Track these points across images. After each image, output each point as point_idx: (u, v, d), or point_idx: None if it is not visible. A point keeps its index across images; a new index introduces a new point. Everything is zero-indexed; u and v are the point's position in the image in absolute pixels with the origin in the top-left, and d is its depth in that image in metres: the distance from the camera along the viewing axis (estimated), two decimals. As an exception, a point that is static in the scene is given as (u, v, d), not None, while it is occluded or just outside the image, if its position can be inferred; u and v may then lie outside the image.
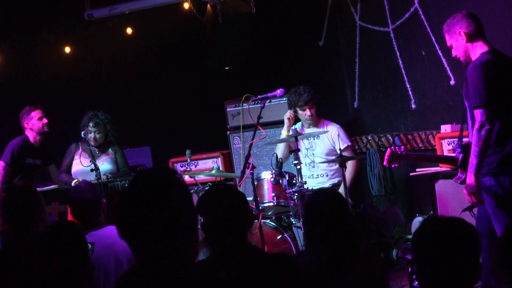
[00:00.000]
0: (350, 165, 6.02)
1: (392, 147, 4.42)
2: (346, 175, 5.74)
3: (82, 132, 6.05)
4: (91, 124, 6.14)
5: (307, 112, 6.10)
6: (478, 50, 4.18)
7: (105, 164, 6.12)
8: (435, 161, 4.77)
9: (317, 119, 6.23)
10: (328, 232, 3.28)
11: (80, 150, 6.19)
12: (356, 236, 3.43)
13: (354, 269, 3.27)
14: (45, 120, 6.28)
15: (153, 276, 2.08)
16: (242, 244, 2.99)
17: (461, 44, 4.23)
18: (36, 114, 6.28)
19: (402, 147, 4.49)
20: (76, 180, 5.99)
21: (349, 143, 6.20)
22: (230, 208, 3.00)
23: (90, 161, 5.86)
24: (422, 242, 2.35)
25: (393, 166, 4.49)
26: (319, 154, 6.16)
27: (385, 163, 4.45)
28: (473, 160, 4.05)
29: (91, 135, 6.12)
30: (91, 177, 5.71)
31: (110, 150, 6.25)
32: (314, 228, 3.36)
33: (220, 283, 2.83)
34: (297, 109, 6.14)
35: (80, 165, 6.08)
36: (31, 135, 6.32)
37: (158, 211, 2.08)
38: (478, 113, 4.03)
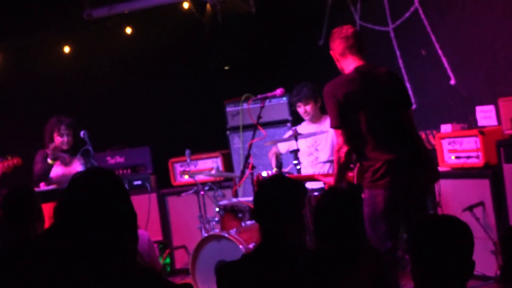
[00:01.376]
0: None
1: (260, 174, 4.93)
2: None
3: (82, 132, 6.01)
4: (63, 127, 6.07)
5: (301, 109, 6.12)
6: (350, 67, 4.32)
7: (79, 170, 6.04)
8: (312, 179, 5.06)
9: (321, 115, 6.20)
10: (335, 231, 3.28)
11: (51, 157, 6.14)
12: (364, 237, 3.43)
13: (361, 270, 3.26)
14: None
15: (94, 274, 2.09)
16: (288, 239, 2.99)
17: (336, 62, 4.42)
18: None
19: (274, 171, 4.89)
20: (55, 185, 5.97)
21: None
22: (285, 199, 3.01)
23: (89, 161, 5.86)
24: (418, 239, 2.43)
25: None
26: (323, 149, 6.11)
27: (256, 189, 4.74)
28: (336, 175, 4.35)
29: (63, 139, 6.05)
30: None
31: (78, 155, 6.15)
32: (322, 227, 3.36)
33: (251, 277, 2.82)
34: (296, 105, 6.17)
35: (59, 171, 6.05)
36: None
37: (95, 211, 2.11)
38: (336, 134, 4.27)
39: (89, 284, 2.08)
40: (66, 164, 6.09)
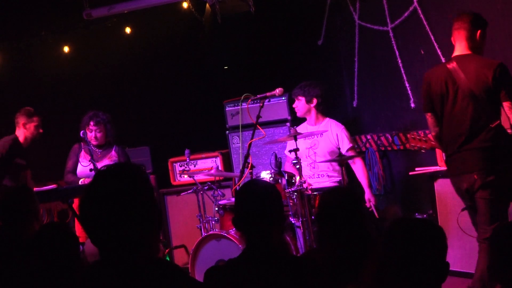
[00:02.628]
0: (359, 166, 6.05)
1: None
2: (361, 178, 5.99)
3: (82, 132, 6.04)
4: (92, 123, 6.15)
5: (294, 103, 6.21)
6: (453, 54, 4.46)
7: None
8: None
9: (320, 117, 6.19)
10: (339, 231, 3.28)
11: (83, 151, 6.20)
12: (369, 237, 3.42)
13: (365, 271, 3.26)
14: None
15: (117, 270, 2.10)
16: (272, 243, 2.97)
17: None
18: (37, 120, 6.59)
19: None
20: (83, 179, 6.02)
21: (351, 145, 6.15)
22: (263, 204, 3.00)
23: (89, 161, 5.86)
24: (392, 242, 2.46)
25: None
26: (321, 153, 6.13)
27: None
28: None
29: (91, 134, 6.12)
30: None
31: (113, 152, 6.24)
32: (325, 226, 3.36)
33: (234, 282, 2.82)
34: None
35: (85, 166, 6.09)
36: (22, 135, 6.48)
37: (119, 206, 2.10)
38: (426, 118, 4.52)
39: (113, 279, 2.08)
40: (97, 159, 6.13)
